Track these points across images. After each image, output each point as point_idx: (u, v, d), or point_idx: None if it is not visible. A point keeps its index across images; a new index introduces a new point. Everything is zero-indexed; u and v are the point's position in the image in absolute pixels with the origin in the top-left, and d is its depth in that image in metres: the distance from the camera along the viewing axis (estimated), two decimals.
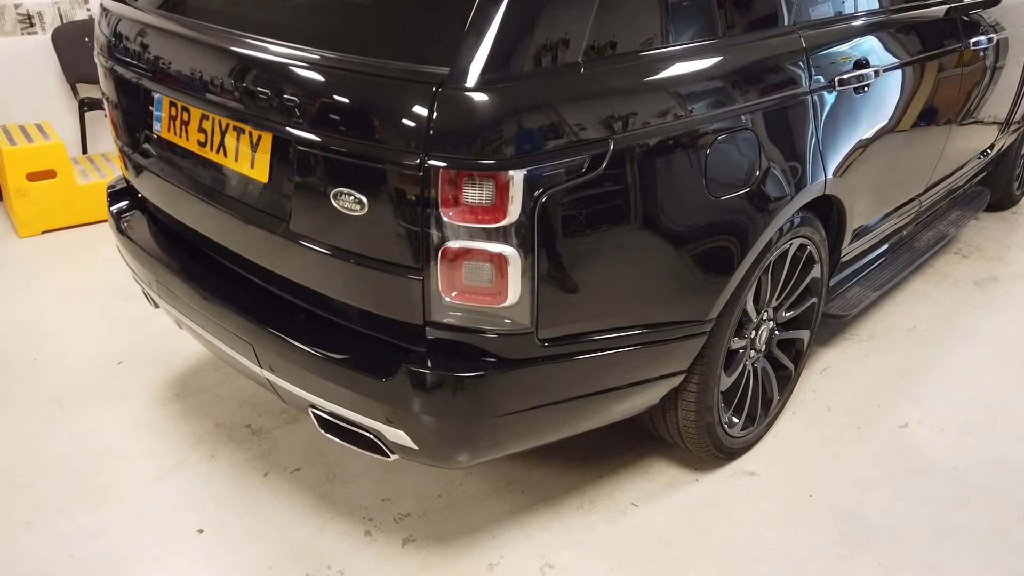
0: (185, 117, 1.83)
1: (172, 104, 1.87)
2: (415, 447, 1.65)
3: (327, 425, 1.78)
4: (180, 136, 1.87)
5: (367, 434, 1.71)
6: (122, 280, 2.96)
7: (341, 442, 1.78)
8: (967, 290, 3.31)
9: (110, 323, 2.98)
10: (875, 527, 2.06)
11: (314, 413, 1.78)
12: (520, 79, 1.43)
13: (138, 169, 2.09)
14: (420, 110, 1.39)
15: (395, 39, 1.55)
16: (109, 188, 2.35)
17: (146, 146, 2.02)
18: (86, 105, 4.32)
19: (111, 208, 2.28)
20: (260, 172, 1.67)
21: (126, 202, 2.28)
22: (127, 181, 2.27)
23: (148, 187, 2.11)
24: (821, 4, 2.13)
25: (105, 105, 2.22)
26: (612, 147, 1.53)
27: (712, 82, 1.74)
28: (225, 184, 1.79)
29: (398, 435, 1.64)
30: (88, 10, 4.49)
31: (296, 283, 1.72)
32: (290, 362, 1.71)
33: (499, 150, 1.40)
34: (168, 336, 2.80)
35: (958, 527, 2.07)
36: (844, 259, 2.52)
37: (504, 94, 1.40)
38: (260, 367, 1.82)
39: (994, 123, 3.40)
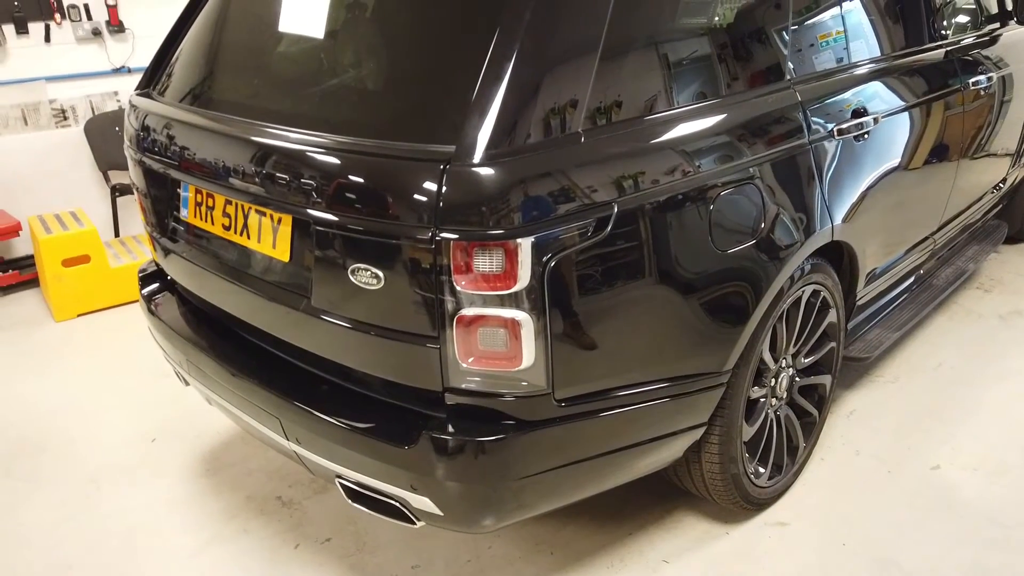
0: (210, 203, 1.93)
1: (198, 191, 1.97)
2: (440, 513, 1.67)
3: (354, 494, 1.81)
4: (206, 221, 1.96)
5: (393, 502, 1.74)
6: (154, 359, 3.06)
7: (368, 511, 1.81)
8: (992, 325, 3.28)
9: (143, 402, 3.06)
10: (911, 573, 2.02)
11: (341, 483, 1.82)
12: (523, 152, 1.50)
13: (167, 253, 2.19)
14: (430, 187, 1.46)
15: (403, 121, 1.63)
16: (140, 272, 2.45)
17: (174, 231, 2.12)
18: (117, 191, 4.51)
19: (142, 291, 2.38)
20: (282, 252, 1.74)
21: (156, 284, 2.38)
22: (157, 264, 2.37)
23: (177, 269, 2.20)
24: (817, 58, 2.20)
25: (135, 193, 2.34)
26: (616, 210, 1.58)
27: (710, 140, 1.80)
28: (249, 264, 1.86)
29: (423, 502, 1.66)
30: (118, 101, 4.73)
31: (319, 356, 1.78)
32: (315, 434, 1.76)
33: (506, 220, 1.46)
34: (199, 413, 2.86)
35: (996, 569, 2.02)
36: (861, 302, 2.53)
37: (508, 167, 1.47)
38: (287, 440, 1.87)
39: (1005, 156, 3.42)
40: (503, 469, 1.63)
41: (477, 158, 1.45)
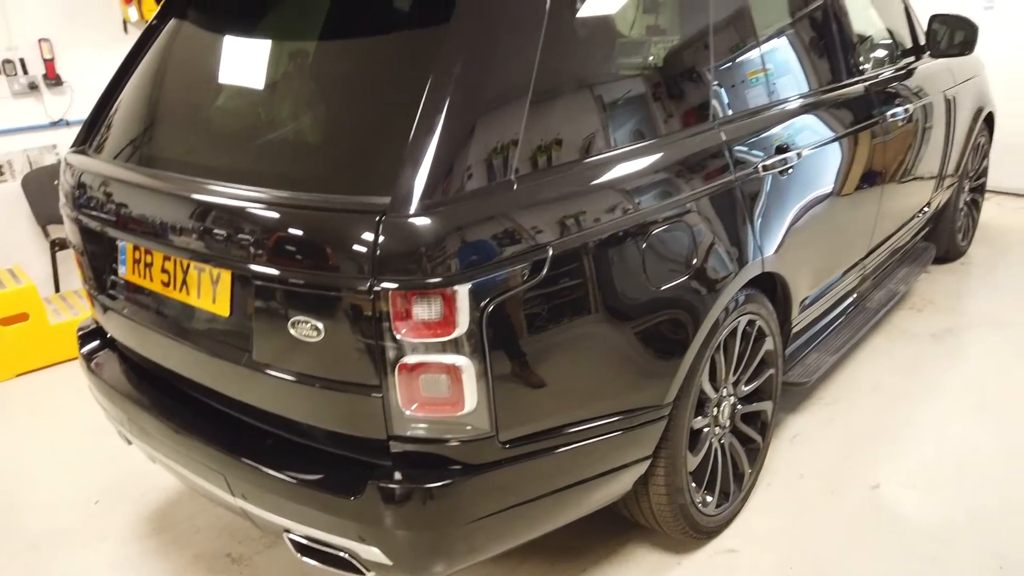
0: (148, 260, 1.92)
1: (135, 248, 1.95)
2: (389, 563, 1.67)
3: (303, 549, 1.79)
4: (144, 278, 1.95)
5: (342, 554, 1.72)
6: (96, 419, 2.98)
7: (319, 564, 1.79)
8: (925, 343, 3.41)
9: (86, 463, 2.98)
10: None
11: (289, 538, 1.80)
12: (457, 200, 1.54)
13: (105, 310, 2.16)
14: (367, 238, 1.48)
15: (339, 173, 1.66)
16: (79, 330, 2.41)
17: (112, 288, 2.10)
18: (57, 245, 4.42)
19: (82, 350, 2.34)
20: (222, 307, 1.74)
21: (96, 342, 2.34)
22: (96, 321, 2.33)
23: (116, 327, 2.17)
24: (740, 97, 2.30)
25: (72, 251, 2.31)
26: (551, 252, 1.62)
27: (638, 182, 1.85)
28: (189, 320, 1.86)
29: (372, 552, 1.66)
30: (57, 155, 4.66)
31: (262, 409, 1.77)
32: (261, 488, 1.74)
33: (443, 268, 1.49)
34: (143, 472, 2.79)
35: None
36: (796, 329, 2.61)
37: (443, 216, 1.51)
38: (233, 496, 1.84)
39: (929, 180, 3.59)
40: (451, 514, 1.64)
41: (412, 208, 1.49)
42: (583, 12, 1.83)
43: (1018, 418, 2.80)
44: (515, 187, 1.62)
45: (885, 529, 2.30)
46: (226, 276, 1.71)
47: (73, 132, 4.35)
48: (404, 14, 1.78)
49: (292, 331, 1.59)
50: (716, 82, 2.17)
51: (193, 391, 1.98)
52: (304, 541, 1.77)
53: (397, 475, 1.61)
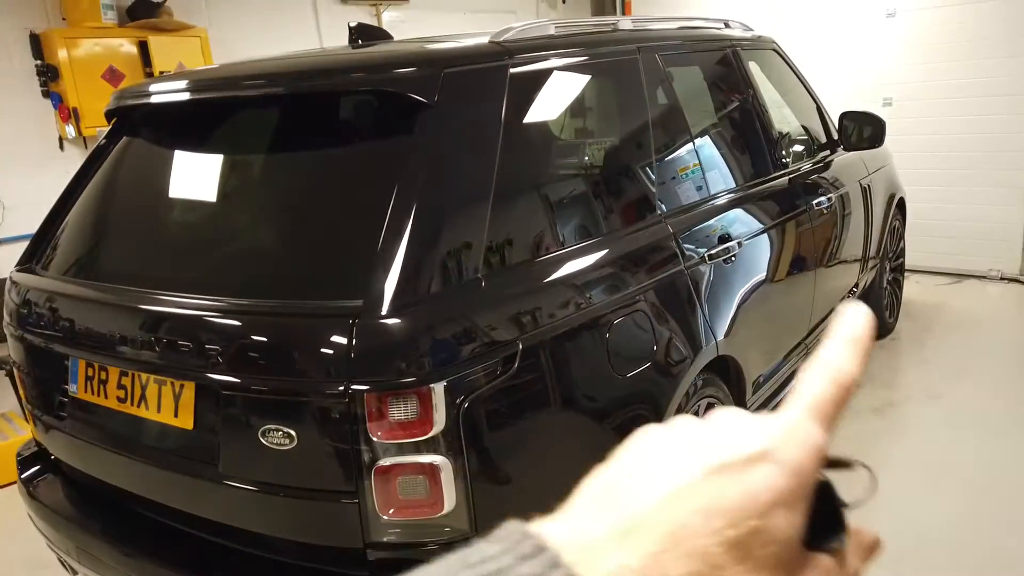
0: (103, 376, 1.86)
1: (89, 365, 1.89)
2: None
3: None
4: (98, 395, 1.88)
5: None
6: (33, 549, 2.77)
7: None
8: (868, 418, 3.53)
9: None
10: None
11: None
12: (428, 300, 1.57)
13: (49, 430, 2.06)
14: (340, 341, 1.48)
15: (307, 279, 1.67)
16: (19, 456, 2.28)
17: (61, 408, 2.01)
18: None
19: (22, 475, 2.20)
20: (184, 420, 1.69)
21: (38, 467, 2.22)
22: (38, 444, 2.21)
23: (63, 447, 2.07)
24: (681, 192, 2.44)
25: (14, 371, 2.21)
26: (521, 347, 1.65)
27: (598, 273, 1.93)
28: (147, 436, 1.79)
29: None
30: None
31: (226, 525, 1.70)
32: None
33: (418, 367, 1.50)
34: None
35: None
36: (751, 409, 2.68)
37: (415, 316, 1.53)
38: None
39: (854, 262, 3.81)
40: None
41: (385, 310, 1.50)
42: (536, 120, 1.94)
43: (962, 487, 2.89)
44: (483, 285, 1.66)
45: None
46: (189, 388, 1.67)
47: (5, 249, 4.24)
48: (367, 125, 1.86)
49: (263, 440, 1.56)
50: (659, 179, 2.30)
51: (149, 511, 1.89)
52: None
53: None
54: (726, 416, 0.39)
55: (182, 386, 1.68)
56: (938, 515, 2.72)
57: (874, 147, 3.68)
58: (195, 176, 2.02)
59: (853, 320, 0.40)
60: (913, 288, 5.35)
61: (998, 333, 4.59)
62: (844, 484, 0.39)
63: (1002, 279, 5.43)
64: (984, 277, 5.50)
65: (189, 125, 2.16)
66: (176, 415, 1.71)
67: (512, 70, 1.85)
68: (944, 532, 2.63)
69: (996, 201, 5.32)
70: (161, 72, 4.63)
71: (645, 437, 0.39)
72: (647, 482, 0.36)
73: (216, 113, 2.08)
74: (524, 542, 0.34)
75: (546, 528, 0.35)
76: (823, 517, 0.36)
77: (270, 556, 1.70)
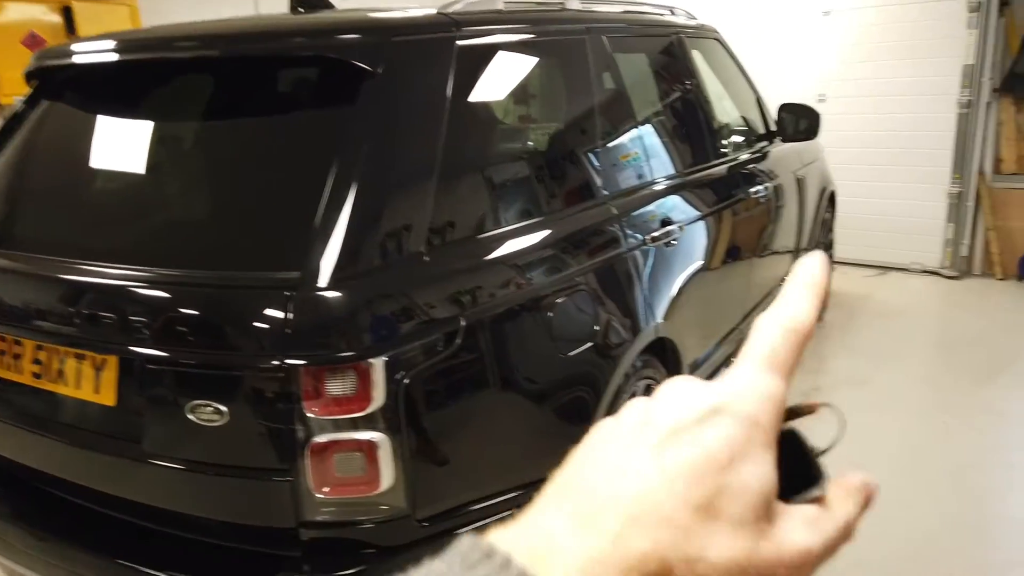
0: (17, 350, 1.75)
1: (1, 339, 1.78)
2: None
3: None
4: (11, 370, 1.77)
5: None
6: None
7: None
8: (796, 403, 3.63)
9: None
10: None
11: None
12: (369, 274, 1.52)
13: None
14: (276, 314, 1.43)
15: (243, 250, 1.61)
16: None
17: None
18: None
19: None
20: (106, 396, 1.61)
21: None
22: None
23: None
24: (624, 176, 2.44)
25: None
26: (463, 324, 1.63)
27: (542, 253, 1.92)
28: (65, 414, 1.70)
29: None
30: None
31: (151, 506, 1.63)
32: None
33: (357, 342, 1.46)
34: None
35: None
36: None
37: (355, 289, 1.48)
38: None
39: (787, 253, 3.91)
40: None
41: (323, 282, 1.46)
42: (483, 95, 1.90)
43: (884, 469, 3.01)
44: (426, 259, 1.62)
45: None
46: (112, 363, 1.59)
47: None
48: (311, 93, 1.79)
49: (191, 417, 1.49)
50: (603, 162, 2.30)
51: (66, 492, 1.79)
52: None
53: (306, 566, 1.51)
54: (674, 385, 0.38)
55: (104, 361, 1.60)
56: None
57: (809, 139, 3.77)
58: (122, 142, 1.92)
59: (809, 266, 0.40)
60: (841, 279, 5.53)
61: (920, 322, 4.80)
62: (814, 430, 0.38)
63: (924, 272, 5.66)
64: (907, 270, 5.73)
65: (116, 89, 2.05)
66: (97, 391, 1.62)
67: (459, 43, 1.81)
68: (868, 511, 2.72)
69: (920, 197, 5.54)
70: None
71: (596, 431, 0.38)
72: (603, 469, 0.35)
73: (147, 77, 1.97)
74: (473, 551, 0.33)
75: (500, 535, 0.35)
76: (796, 467, 0.35)
77: (198, 537, 1.63)
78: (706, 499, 0.33)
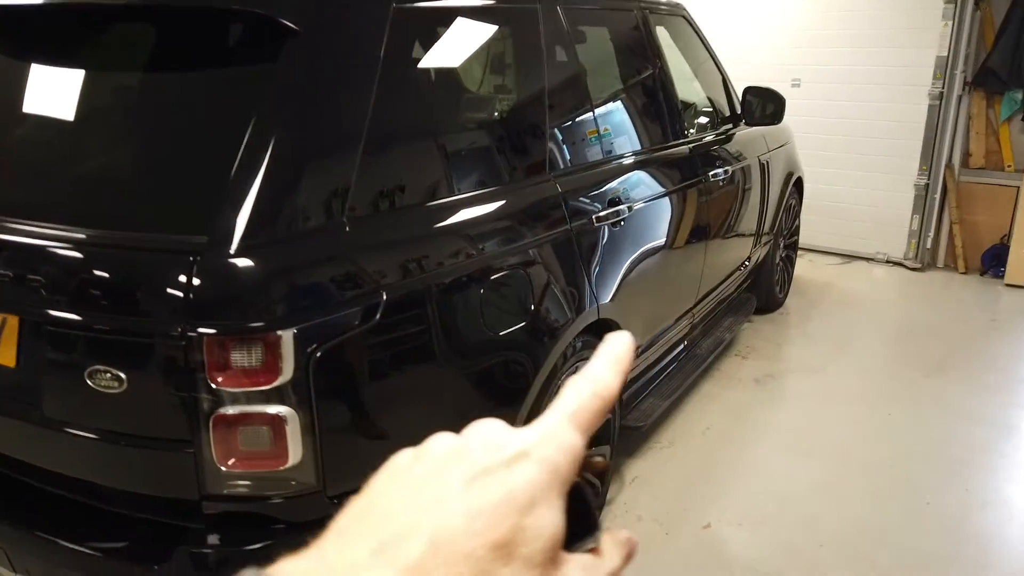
0: None
1: None
2: None
3: None
4: None
5: None
6: None
7: None
8: (750, 388, 3.64)
9: None
10: None
11: None
12: (282, 241, 1.47)
13: None
14: (180, 279, 1.37)
15: (150, 211, 1.54)
16: None
17: None
18: None
19: None
20: (7, 357, 1.55)
21: None
22: None
23: None
24: (575, 153, 2.39)
25: None
26: (384, 297, 1.58)
27: (476, 228, 1.86)
28: None
29: None
30: None
31: (53, 472, 1.58)
32: (49, 563, 1.54)
33: (266, 312, 1.41)
34: None
35: None
36: (632, 375, 2.70)
37: (266, 257, 1.43)
38: (15, 572, 1.61)
39: (748, 237, 3.88)
40: None
41: (232, 249, 1.40)
42: (420, 64, 1.83)
43: (826, 456, 3.02)
44: (347, 229, 1.57)
45: (715, 568, 2.38)
46: (13, 322, 1.52)
47: None
48: (228, 50, 1.71)
49: (89, 382, 1.43)
50: (551, 137, 2.24)
51: None
52: None
53: (210, 539, 1.47)
54: (483, 427, 0.39)
55: (4, 319, 1.53)
56: (803, 482, 2.83)
57: (774, 123, 3.73)
58: (28, 94, 1.82)
59: (617, 342, 0.43)
60: (805, 266, 5.54)
61: (879, 313, 4.81)
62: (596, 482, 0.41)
63: (888, 262, 5.68)
64: (872, 259, 5.74)
65: (22, 38, 1.94)
66: None
67: (396, 4, 1.74)
68: (806, 497, 2.73)
69: (888, 188, 5.54)
70: None
71: (397, 460, 0.39)
72: (406, 499, 0.35)
73: (56, 27, 1.88)
74: None
75: (290, 565, 0.34)
76: (578, 519, 0.37)
77: (102, 506, 1.58)
78: (504, 539, 0.34)
